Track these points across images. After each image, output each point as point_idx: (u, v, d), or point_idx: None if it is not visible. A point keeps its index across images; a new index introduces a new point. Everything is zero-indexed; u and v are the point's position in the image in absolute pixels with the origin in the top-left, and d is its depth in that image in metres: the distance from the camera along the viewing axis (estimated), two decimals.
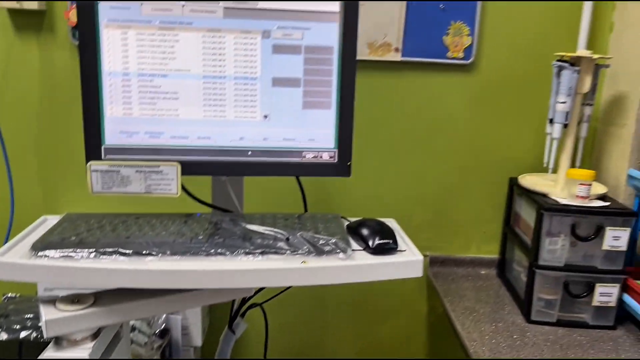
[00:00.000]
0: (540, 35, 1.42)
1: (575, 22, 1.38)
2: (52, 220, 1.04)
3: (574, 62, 1.26)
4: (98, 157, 0.99)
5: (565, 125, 1.28)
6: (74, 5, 1.32)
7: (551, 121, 1.30)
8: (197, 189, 1.09)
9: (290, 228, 0.97)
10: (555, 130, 1.29)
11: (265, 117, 1.01)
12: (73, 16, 1.32)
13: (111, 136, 0.99)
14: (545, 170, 1.37)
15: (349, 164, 1.04)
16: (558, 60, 1.27)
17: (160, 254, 0.89)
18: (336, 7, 0.98)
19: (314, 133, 1.02)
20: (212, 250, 0.90)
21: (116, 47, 0.96)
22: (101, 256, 0.88)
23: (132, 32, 0.96)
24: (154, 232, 0.94)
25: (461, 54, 1.42)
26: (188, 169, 1.00)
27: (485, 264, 1.55)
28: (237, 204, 1.10)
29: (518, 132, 1.48)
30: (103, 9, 0.94)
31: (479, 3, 1.39)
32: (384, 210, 1.50)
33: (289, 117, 1.01)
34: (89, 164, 0.98)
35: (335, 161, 1.04)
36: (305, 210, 1.16)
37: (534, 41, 1.42)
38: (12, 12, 1.33)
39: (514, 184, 1.44)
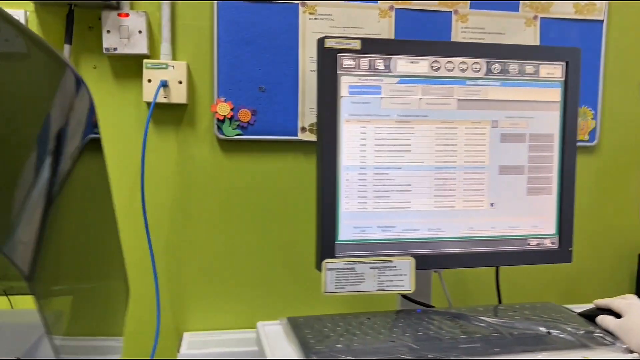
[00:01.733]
0: None
1: None
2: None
3: None
4: (331, 255, 0.94)
5: None
6: (222, 99, 1.28)
7: None
8: None
9: (532, 321, 0.94)
10: None
11: (492, 205, 1.00)
12: (222, 109, 1.29)
13: (346, 232, 0.94)
14: None
15: (570, 249, 1.03)
16: None
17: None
18: (557, 96, 1.01)
19: (537, 220, 1.01)
20: (490, 350, 0.85)
21: (355, 141, 0.93)
22: None
23: (371, 127, 0.94)
24: (409, 334, 0.88)
25: (587, 137, 1.48)
26: (420, 263, 0.96)
27: None
28: (449, 298, 1.06)
29: (633, 208, 1.53)
30: (345, 104, 0.93)
31: (600, 85, 1.47)
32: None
33: (514, 204, 1.00)
34: (324, 262, 0.92)
35: (557, 247, 1.03)
36: (500, 302, 1.13)
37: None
38: (156, 105, 1.27)
39: None
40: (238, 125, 1.30)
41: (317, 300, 1.38)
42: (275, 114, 1.31)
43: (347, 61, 0.92)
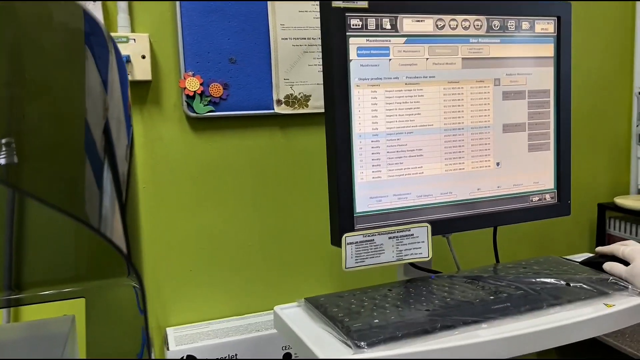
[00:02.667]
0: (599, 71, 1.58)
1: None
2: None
3: None
4: (350, 228, 0.89)
5: None
6: (190, 73, 1.18)
7: None
8: None
9: (545, 275, 0.95)
10: None
11: (498, 164, 0.99)
12: (191, 84, 1.18)
13: (362, 203, 0.90)
14: (625, 193, 1.52)
15: (568, 202, 1.05)
16: None
17: (484, 322, 0.81)
18: (551, 52, 1.01)
19: (538, 176, 1.02)
20: (522, 308, 0.85)
21: (366, 107, 0.89)
22: (428, 336, 0.78)
23: (381, 91, 0.89)
24: (439, 302, 0.86)
25: None
26: (435, 229, 0.94)
27: None
28: (457, 261, 1.05)
29: (593, 159, 1.61)
30: (354, 67, 0.87)
31: None
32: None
33: (517, 162, 1.01)
34: (344, 236, 0.87)
35: (556, 201, 1.04)
36: (497, 261, 1.14)
37: (595, 77, 1.58)
38: None
39: (606, 208, 1.55)
40: (209, 101, 1.20)
41: (303, 283, 1.33)
42: (248, 87, 1.23)
43: (354, 21, 0.86)
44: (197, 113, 1.19)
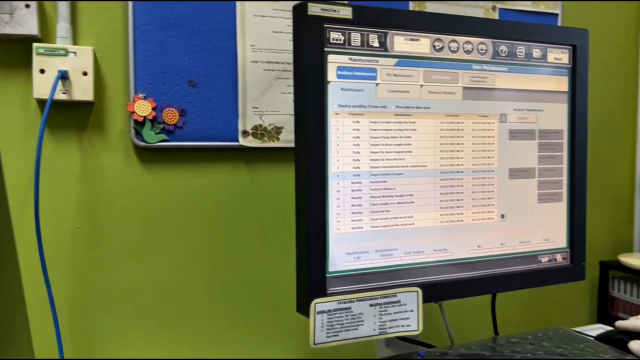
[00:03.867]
0: (599, 114, 1.44)
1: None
2: None
3: None
4: (321, 292, 0.70)
5: None
6: (141, 95, 1.00)
7: None
8: None
9: (560, 354, 0.77)
10: None
11: (503, 216, 0.82)
12: (141, 109, 1.00)
13: (337, 260, 0.72)
14: (629, 250, 1.37)
15: (583, 264, 0.88)
16: None
17: None
18: (565, 85, 0.86)
19: (548, 232, 0.86)
20: None
21: (346, 140, 0.71)
22: None
23: (365, 121, 0.72)
24: None
25: None
26: (427, 294, 0.76)
27: None
28: (451, 334, 0.87)
29: (593, 211, 1.46)
30: (334, 91, 0.70)
31: None
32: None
33: (525, 215, 0.84)
34: (313, 302, 0.68)
35: (569, 263, 0.87)
36: (496, 333, 0.95)
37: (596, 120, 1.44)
38: (52, 104, 0.95)
39: (609, 267, 1.39)
40: (162, 128, 1.02)
41: (258, 342, 1.12)
42: (209, 114, 1.05)
43: (335, 35, 0.70)
44: (146, 142, 1.01)
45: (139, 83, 1.00)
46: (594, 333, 0.87)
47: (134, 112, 1.00)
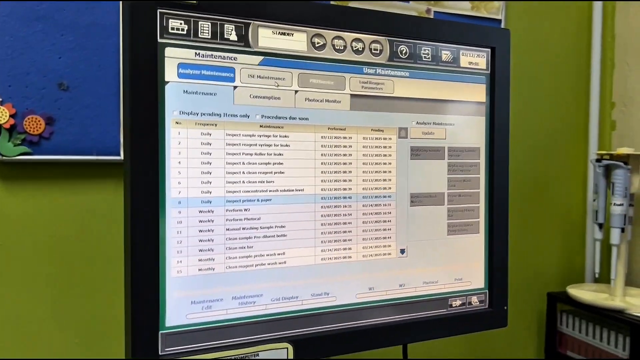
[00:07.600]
0: (547, 131, 1.32)
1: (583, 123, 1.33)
2: None
3: (625, 160, 1.16)
4: (152, 354, 0.55)
5: (623, 230, 1.16)
6: None
7: (601, 226, 1.18)
8: None
9: None
10: (614, 236, 1.16)
11: (402, 251, 0.68)
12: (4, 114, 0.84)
13: (177, 312, 0.56)
14: (580, 280, 1.25)
15: (505, 308, 0.74)
16: (600, 159, 1.17)
17: None
18: (482, 95, 0.72)
19: (461, 269, 0.71)
20: None
21: (192, 157, 0.56)
22: None
23: (218, 133, 0.57)
24: None
25: None
26: (301, 351, 0.61)
27: None
28: None
29: (541, 238, 1.33)
30: (173, 94, 0.55)
31: None
32: None
33: (430, 249, 0.69)
34: None
35: (486, 307, 0.73)
36: None
37: (543, 138, 1.32)
38: None
39: (557, 300, 1.25)
40: (24, 139, 0.86)
41: None
42: (84, 123, 0.90)
43: (175, 23, 0.55)
44: (4, 155, 0.85)
45: None
46: None
47: None
